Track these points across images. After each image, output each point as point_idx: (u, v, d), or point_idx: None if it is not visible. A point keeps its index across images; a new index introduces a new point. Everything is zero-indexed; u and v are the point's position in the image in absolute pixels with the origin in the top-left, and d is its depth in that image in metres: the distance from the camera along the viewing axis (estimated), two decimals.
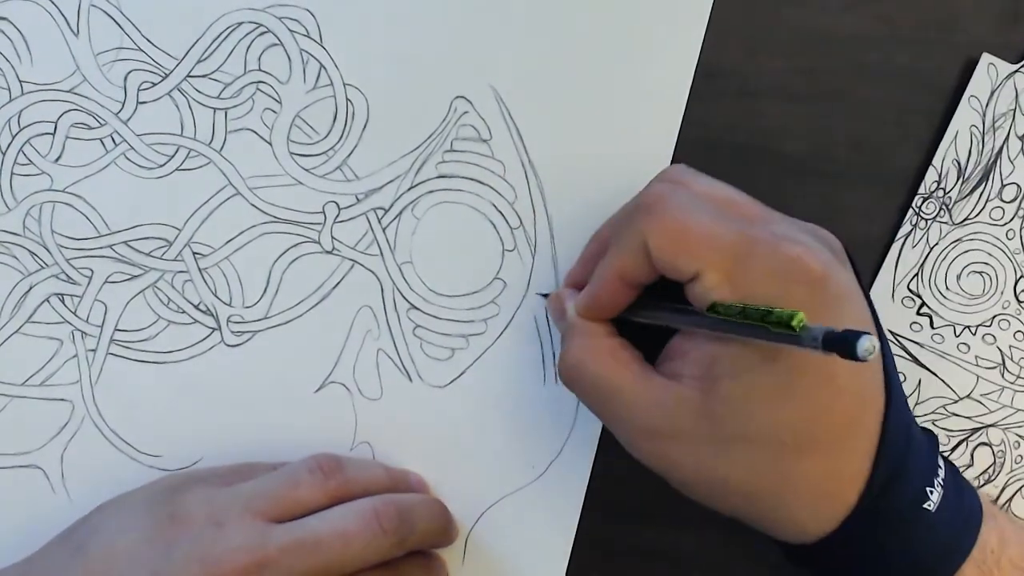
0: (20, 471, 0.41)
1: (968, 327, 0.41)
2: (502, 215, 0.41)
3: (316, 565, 0.35)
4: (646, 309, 0.36)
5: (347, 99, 0.41)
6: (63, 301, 0.41)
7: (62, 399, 0.41)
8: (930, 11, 0.41)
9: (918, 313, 0.41)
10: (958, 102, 0.41)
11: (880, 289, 0.41)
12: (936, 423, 0.42)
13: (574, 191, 0.41)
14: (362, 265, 0.41)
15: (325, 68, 0.41)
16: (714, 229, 0.32)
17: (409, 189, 0.41)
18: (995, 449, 0.42)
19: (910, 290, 0.41)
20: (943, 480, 0.34)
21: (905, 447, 0.33)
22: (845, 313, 0.32)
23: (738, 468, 0.33)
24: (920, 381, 0.42)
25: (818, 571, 0.36)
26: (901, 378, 0.41)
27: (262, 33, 0.41)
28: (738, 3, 0.41)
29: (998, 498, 0.42)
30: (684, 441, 0.33)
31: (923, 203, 0.41)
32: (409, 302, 0.41)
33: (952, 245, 0.41)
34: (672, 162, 0.41)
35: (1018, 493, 0.42)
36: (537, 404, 0.41)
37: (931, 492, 0.33)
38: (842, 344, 0.26)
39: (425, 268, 0.41)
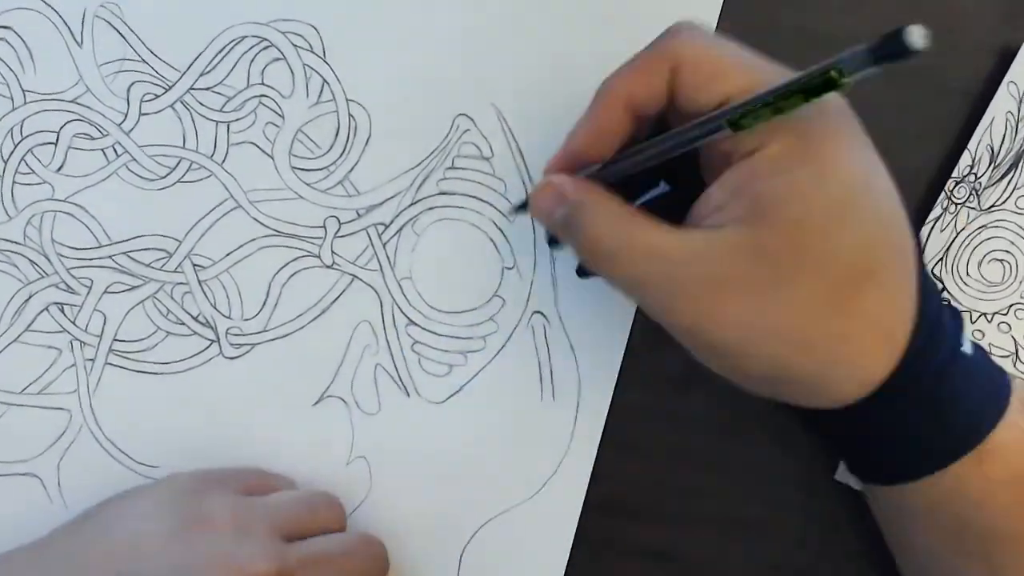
0: (17, 479, 0.42)
1: (984, 314, 0.41)
2: (502, 233, 0.41)
3: None
4: (637, 153, 0.33)
5: (349, 115, 0.41)
6: (62, 310, 0.41)
7: (60, 408, 0.41)
8: (930, 11, 0.41)
9: None
10: (957, 102, 0.41)
11: None
12: None
13: None
14: (362, 280, 0.41)
15: (328, 83, 0.41)
16: (748, 58, 0.31)
17: (410, 205, 0.41)
18: None
19: (933, 274, 0.41)
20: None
21: (935, 285, 0.32)
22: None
23: (794, 312, 0.30)
24: None
25: (861, 434, 0.34)
26: None
27: (266, 47, 0.41)
28: (738, 3, 0.41)
29: None
30: (733, 291, 0.30)
31: (955, 187, 0.41)
32: (408, 318, 0.42)
33: (977, 231, 0.41)
34: None
35: None
36: (534, 422, 0.42)
37: (962, 337, 0.32)
38: (892, 43, 0.24)
39: (424, 284, 0.41)
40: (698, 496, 0.42)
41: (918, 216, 0.42)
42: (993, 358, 0.34)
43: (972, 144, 0.41)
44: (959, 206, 0.41)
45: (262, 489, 0.40)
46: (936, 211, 0.41)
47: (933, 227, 0.41)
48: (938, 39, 0.41)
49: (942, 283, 0.41)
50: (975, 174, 0.41)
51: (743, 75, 0.31)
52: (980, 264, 0.41)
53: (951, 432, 0.32)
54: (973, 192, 0.41)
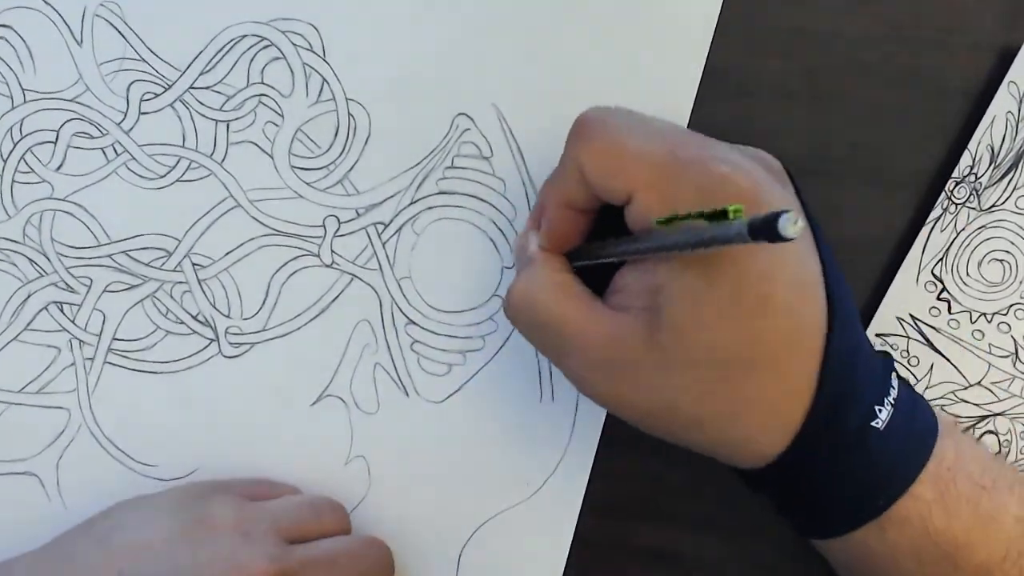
0: (15, 478, 0.42)
1: (984, 314, 0.41)
2: (502, 232, 0.41)
3: None
4: (592, 250, 0.36)
5: (349, 114, 0.41)
6: (62, 309, 0.41)
7: (59, 407, 0.41)
8: (930, 11, 0.41)
9: (938, 298, 0.41)
10: (957, 102, 0.41)
11: (905, 272, 0.41)
12: (945, 408, 0.42)
13: None
14: (361, 279, 0.41)
15: (328, 82, 0.41)
16: (645, 149, 0.33)
17: (409, 204, 0.41)
18: (1001, 438, 0.42)
19: (933, 275, 0.41)
20: (895, 399, 0.34)
21: (850, 368, 0.33)
22: None
23: (686, 393, 0.33)
24: (932, 365, 0.42)
25: (776, 494, 0.36)
26: (914, 361, 0.42)
27: (265, 46, 0.41)
28: (738, 3, 0.40)
29: None
30: (633, 372, 0.33)
31: (955, 187, 0.41)
32: (407, 317, 0.41)
33: (977, 231, 0.41)
34: None
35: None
36: (533, 421, 0.41)
37: (880, 410, 0.33)
38: (766, 226, 0.26)
39: (424, 284, 0.41)
40: (698, 496, 0.42)
41: (917, 216, 0.42)
42: (920, 417, 0.35)
43: (972, 144, 0.41)
44: (959, 206, 0.41)
45: (266, 495, 0.40)
46: (936, 211, 0.41)
47: (933, 227, 0.41)
48: (938, 39, 0.41)
49: (942, 283, 0.41)
50: (975, 174, 0.41)
51: (640, 168, 0.33)
52: (980, 264, 0.41)
53: (849, 503, 0.34)
54: (973, 192, 0.41)
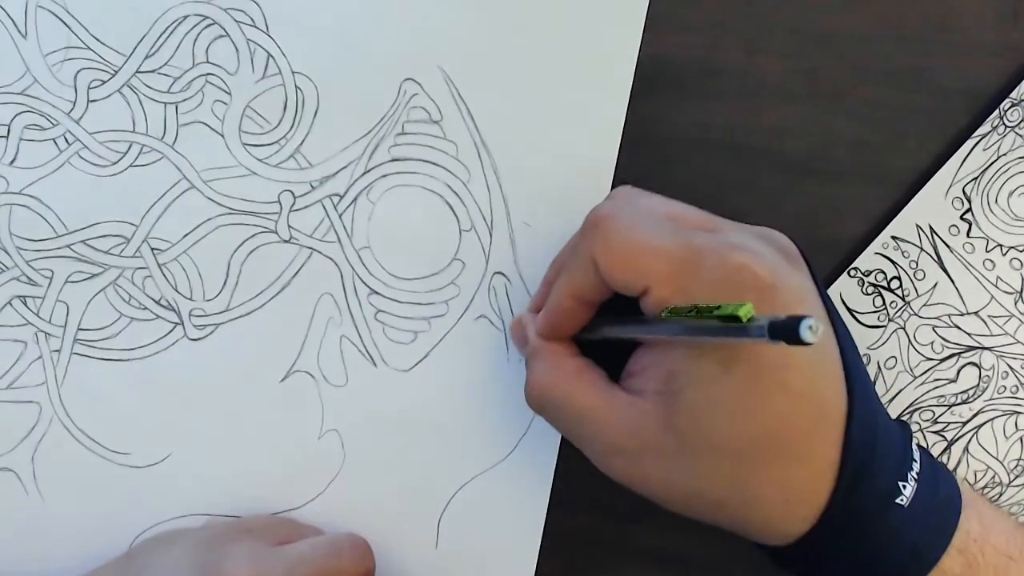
0: None
1: (1001, 246, 0.41)
2: (457, 195, 0.41)
3: None
4: (604, 326, 0.36)
5: (296, 87, 0.41)
6: (25, 303, 0.41)
7: (29, 401, 0.41)
8: (930, 11, 0.41)
9: (961, 217, 0.41)
10: (957, 102, 0.41)
11: (937, 183, 0.41)
12: (936, 329, 0.41)
13: (527, 167, 0.41)
14: (320, 252, 0.41)
15: (273, 57, 0.41)
16: (660, 243, 0.33)
17: (363, 174, 0.41)
18: (982, 372, 0.41)
19: (964, 192, 0.40)
20: (917, 473, 0.34)
21: (871, 445, 0.33)
22: None
23: (706, 479, 0.33)
24: (936, 284, 0.41)
25: (802, 571, 0.36)
26: (920, 275, 0.41)
27: (208, 25, 0.41)
28: (738, 3, 0.40)
29: (969, 421, 0.41)
30: (651, 456, 0.34)
31: (1010, 108, 0.40)
32: (369, 287, 0.41)
33: (1018, 160, 0.40)
34: (623, 139, 0.41)
35: (989, 423, 0.41)
36: (501, 382, 0.41)
37: (904, 487, 0.33)
38: (786, 330, 0.26)
39: (383, 252, 0.41)
40: None
41: (959, 136, 0.41)
42: (943, 488, 0.34)
43: None
44: (1008, 129, 0.40)
45: (288, 538, 0.39)
46: (985, 127, 0.40)
47: (977, 144, 0.40)
48: (938, 39, 0.41)
49: (969, 203, 0.41)
50: None
51: (656, 263, 0.33)
52: (1011, 195, 0.41)
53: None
54: None
